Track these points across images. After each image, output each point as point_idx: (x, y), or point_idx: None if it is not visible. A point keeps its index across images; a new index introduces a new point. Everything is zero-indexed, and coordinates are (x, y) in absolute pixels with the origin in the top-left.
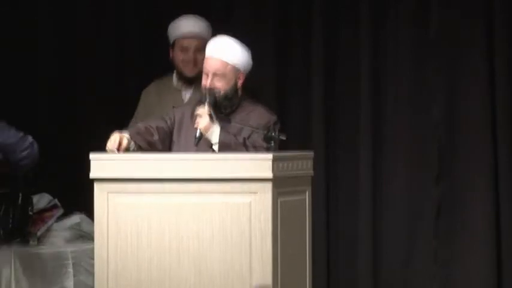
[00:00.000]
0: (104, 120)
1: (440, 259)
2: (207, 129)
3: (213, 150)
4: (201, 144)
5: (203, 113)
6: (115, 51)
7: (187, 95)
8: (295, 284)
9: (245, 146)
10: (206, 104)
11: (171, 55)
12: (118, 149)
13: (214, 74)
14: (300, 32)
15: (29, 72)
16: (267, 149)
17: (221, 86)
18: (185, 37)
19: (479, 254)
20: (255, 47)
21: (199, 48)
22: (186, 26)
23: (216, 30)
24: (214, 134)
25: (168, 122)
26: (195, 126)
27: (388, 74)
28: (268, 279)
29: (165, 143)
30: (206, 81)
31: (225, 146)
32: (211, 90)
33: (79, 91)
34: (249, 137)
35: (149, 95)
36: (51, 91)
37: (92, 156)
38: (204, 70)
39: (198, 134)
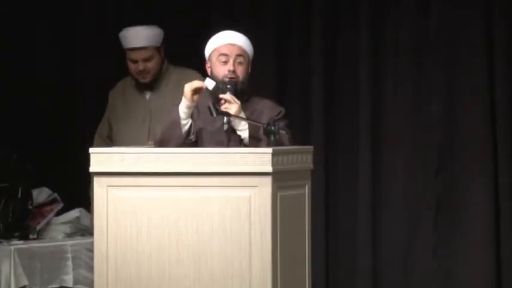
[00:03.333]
0: (103, 114)
1: (440, 256)
2: (238, 114)
3: (239, 137)
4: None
5: (231, 99)
6: (115, 50)
7: (147, 94)
8: (294, 277)
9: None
10: (228, 91)
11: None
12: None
13: (237, 58)
14: (300, 32)
15: (29, 67)
16: (268, 143)
17: (242, 70)
18: (132, 50)
19: (479, 250)
20: (255, 47)
21: (147, 58)
22: (130, 40)
23: (216, 30)
24: (242, 122)
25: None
26: (223, 107)
27: (387, 73)
28: (268, 274)
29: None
30: (226, 67)
31: (254, 132)
32: (230, 78)
33: (79, 85)
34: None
35: (114, 95)
36: (51, 85)
37: (92, 150)
38: (223, 56)
39: (226, 120)
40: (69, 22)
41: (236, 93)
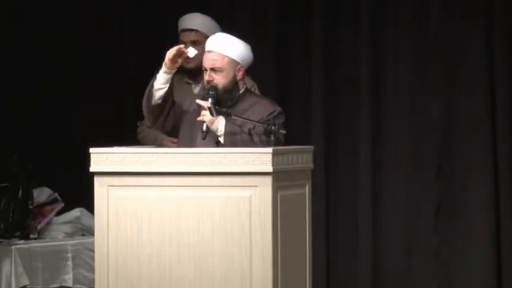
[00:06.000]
0: (103, 114)
1: (440, 257)
2: (212, 121)
3: (219, 142)
4: (208, 138)
5: (207, 106)
6: (115, 49)
7: (196, 88)
8: (295, 277)
9: (250, 135)
10: (209, 98)
11: None
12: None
13: (212, 68)
14: (300, 32)
15: (29, 67)
16: (268, 143)
17: (219, 79)
18: (183, 31)
19: (479, 252)
20: (256, 48)
21: (195, 41)
22: (184, 21)
23: None
24: (220, 124)
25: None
26: (199, 118)
27: (387, 73)
28: (269, 273)
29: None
30: (205, 76)
31: (231, 135)
32: (212, 85)
33: (80, 84)
34: (253, 128)
35: None
36: (52, 85)
37: (92, 150)
38: (203, 66)
39: (204, 128)
40: (69, 22)
41: (217, 100)
